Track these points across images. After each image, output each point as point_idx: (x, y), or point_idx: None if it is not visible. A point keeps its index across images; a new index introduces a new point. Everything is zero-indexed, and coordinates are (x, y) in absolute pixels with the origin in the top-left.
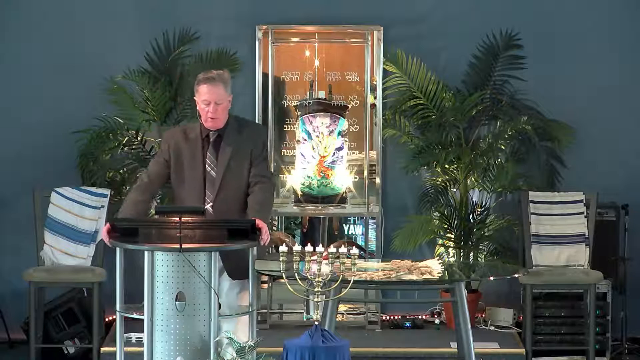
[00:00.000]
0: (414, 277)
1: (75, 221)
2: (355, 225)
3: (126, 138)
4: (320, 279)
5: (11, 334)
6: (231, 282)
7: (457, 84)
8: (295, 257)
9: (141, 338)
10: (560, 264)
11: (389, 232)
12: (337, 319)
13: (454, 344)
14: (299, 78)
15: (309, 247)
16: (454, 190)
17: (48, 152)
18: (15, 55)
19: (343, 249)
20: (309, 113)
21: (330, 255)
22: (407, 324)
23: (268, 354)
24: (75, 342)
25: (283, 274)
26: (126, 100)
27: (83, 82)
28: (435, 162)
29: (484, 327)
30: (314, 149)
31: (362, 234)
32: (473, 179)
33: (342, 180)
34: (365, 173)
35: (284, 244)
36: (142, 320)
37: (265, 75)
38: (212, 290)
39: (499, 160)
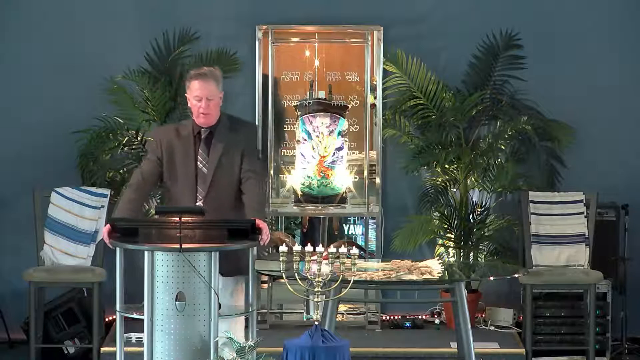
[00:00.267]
0: (414, 277)
1: (75, 221)
2: (355, 225)
3: (126, 138)
4: (320, 279)
5: (11, 334)
6: (224, 280)
7: (457, 84)
8: (295, 257)
9: (141, 338)
10: (560, 264)
11: (389, 232)
12: (337, 319)
13: (454, 344)
14: (299, 78)
15: (309, 247)
16: (454, 190)
17: (48, 152)
18: (15, 55)
19: (343, 249)
20: (309, 113)
21: (330, 255)
22: (407, 324)
23: (268, 354)
24: (75, 342)
25: (283, 274)
26: (126, 100)
27: (83, 82)
28: (435, 162)
29: (484, 327)
30: (314, 149)
31: (362, 234)
32: (473, 179)
33: (342, 180)
34: (365, 173)
35: (284, 244)
36: (142, 320)
37: (265, 75)
38: (212, 290)
39: (499, 160)
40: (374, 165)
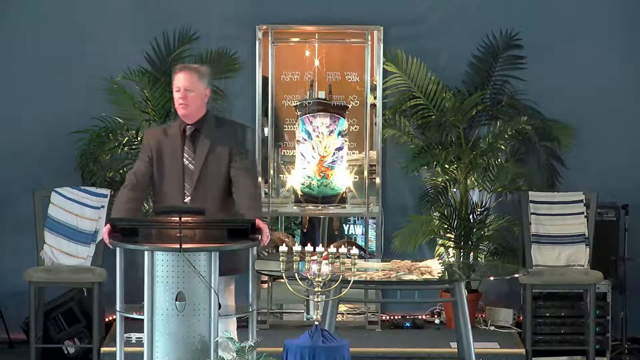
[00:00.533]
0: (414, 277)
1: (75, 221)
2: (355, 225)
3: (126, 138)
4: (320, 279)
5: (11, 334)
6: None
7: (457, 84)
8: (295, 257)
9: (141, 338)
10: (560, 264)
11: (389, 232)
12: (337, 319)
13: (454, 344)
14: (299, 78)
15: (309, 247)
16: (454, 190)
17: (48, 152)
18: (15, 55)
19: (343, 249)
20: (309, 113)
21: (330, 255)
22: (407, 324)
23: (268, 354)
24: (75, 342)
25: (283, 274)
26: (126, 100)
27: (83, 82)
28: (435, 162)
29: (484, 327)
30: (314, 149)
31: (362, 234)
32: (473, 179)
33: (342, 180)
34: (365, 173)
35: (284, 244)
36: (142, 320)
37: (265, 76)
38: (212, 290)
39: (499, 160)
40: (374, 165)
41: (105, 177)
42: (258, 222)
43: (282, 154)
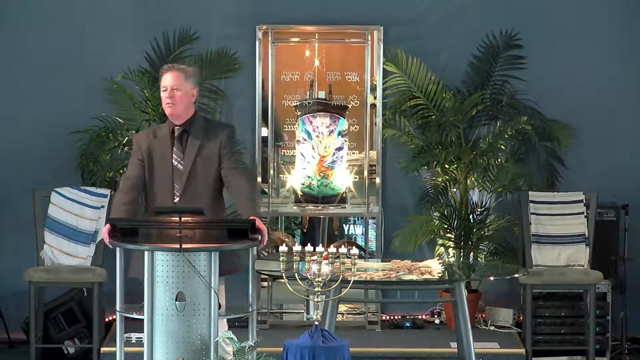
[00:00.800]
0: (414, 277)
1: (75, 221)
2: (355, 225)
3: (126, 138)
4: (320, 279)
5: (11, 334)
6: None
7: (457, 84)
8: (295, 257)
9: (141, 338)
10: (560, 264)
11: (389, 232)
12: (337, 319)
13: (454, 344)
14: (299, 78)
15: (309, 247)
16: (454, 190)
17: (48, 152)
18: (15, 55)
19: (343, 249)
20: (309, 113)
21: (330, 255)
22: (407, 324)
23: (268, 354)
24: (75, 342)
25: (283, 274)
26: (126, 100)
27: (83, 82)
28: (435, 162)
29: (484, 327)
30: (314, 149)
31: (362, 234)
32: (473, 179)
33: (342, 180)
34: (365, 173)
35: (284, 244)
36: (142, 320)
37: (265, 75)
38: (212, 290)
39: (499, 160)
40: (374, 165)
41: (105, 177)
42: (258, 222)
43: (282, 154)
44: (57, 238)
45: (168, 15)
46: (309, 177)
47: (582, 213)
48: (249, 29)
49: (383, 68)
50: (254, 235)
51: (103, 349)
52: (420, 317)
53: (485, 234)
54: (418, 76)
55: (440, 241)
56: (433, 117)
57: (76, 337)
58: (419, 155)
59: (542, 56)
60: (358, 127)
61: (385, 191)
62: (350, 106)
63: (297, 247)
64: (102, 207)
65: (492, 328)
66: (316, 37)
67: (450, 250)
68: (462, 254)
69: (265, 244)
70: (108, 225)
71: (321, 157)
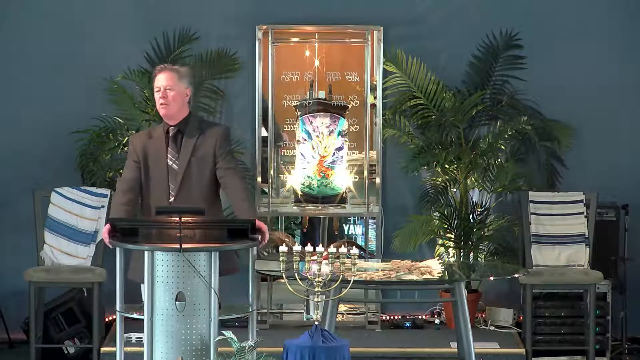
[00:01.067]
0: (414, 277)
1: (75, 221)
2: (355, 225)
3: (126, 138)
4: (320, 279)
5: (11, 334)
6: None
7: (457, 84)
8: (295, 257)
9: (141, 338)
10: (560, 264)
11: (389, 232)
12: (337, 319)
13: (454, 344)
14: (299, 78)
15: (309, 247)
16: (454, 190)
17: (48, 152)
18: (15, 55)
19: (343, 249)
20: (309, 113)
21: (330, 255)
22: (407, 324)
23: (268, 354)
24: (75, 342)
25: (283, 274)
26: (126, 100)
27: (83, 82)
28: (435, 162)
29: (484, 327)
30: (314, 149)
31: (362, 234)
32: (473, 179)
33: (342, 180)
34: (365, 173)
35: (284, 244)
36: (142, 320)
37: (265, 75)
38: (212, 290)
39: (499, 160)
40: (374, 165)
41: (105, 177)
42: (258, 222)
43: (282, 154)
44: (57, 238)
45: (168, 15)
46: (309, 177)
47: (582, 213)
48: (249, 29)
49: (383, 68)
50: (254, 235)
51: (103, 349)
52: (420, 317)
53: (485, 234)
54: (418, 76)
55: (440, 241)
56: (433, 117)
57: (76, 337)
58: (419, 155)
59: (542, 56)
60: (358, 127)
61: (385, 191)
62: (350, 106)
63: (297, 247)
64: (102, 207)
65: (492, 328)
66: (316, 37)
67: (450, 250)
68: (462, 254)
69: (266, 242)
70: (108, 225)
71: (321, 157)
